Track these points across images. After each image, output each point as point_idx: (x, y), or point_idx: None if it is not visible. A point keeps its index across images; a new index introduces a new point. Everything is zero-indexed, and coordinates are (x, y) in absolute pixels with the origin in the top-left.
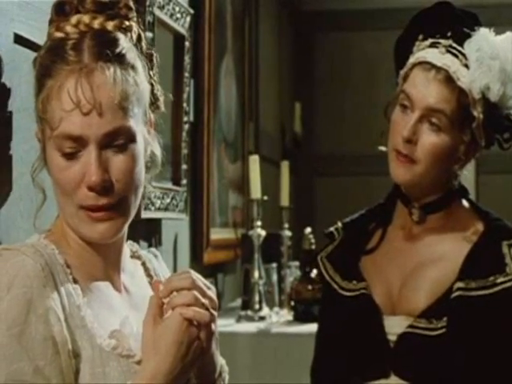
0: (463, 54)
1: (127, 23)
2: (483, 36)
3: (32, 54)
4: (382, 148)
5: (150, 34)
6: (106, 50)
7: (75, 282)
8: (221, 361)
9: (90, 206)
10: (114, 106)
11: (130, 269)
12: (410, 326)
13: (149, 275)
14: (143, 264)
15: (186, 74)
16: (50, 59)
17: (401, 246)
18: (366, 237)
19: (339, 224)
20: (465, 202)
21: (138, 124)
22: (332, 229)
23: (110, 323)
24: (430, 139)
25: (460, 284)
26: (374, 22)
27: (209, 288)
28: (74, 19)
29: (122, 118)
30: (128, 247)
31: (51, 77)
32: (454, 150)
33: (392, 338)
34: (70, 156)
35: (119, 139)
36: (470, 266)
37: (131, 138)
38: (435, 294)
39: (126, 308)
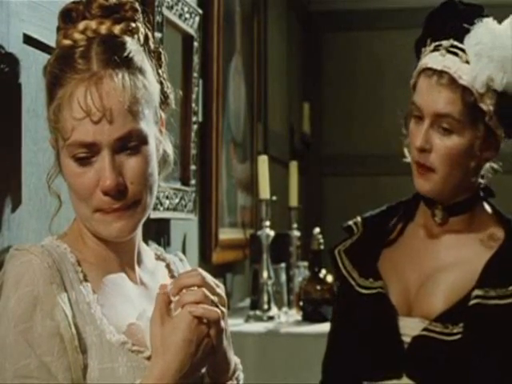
0: (463, 51)
1: (133, 25)
2: (483, 27)
3: (41, 55)
4: (407, 159)
5: (158, 35)
6: (113, 55)
7: (86, 279)
8: (235, 359)
9: (106, 210)
10: (124, 111)
11: (152, 268)
12: (426, 329)
13: (172, 276)
14: (167, 266)
15: (195, 74)
16: (60, 68)
17: (420, 245)
18: (386, 234)
19: (358, 219)
20: (487, 207)
21: (149, 125)
22: (351, 223)
23: (126, 316)
24: (443, 144)
25: (479, 292)
26: (382, 21)
27: (218, 285)
28: (81, 25)
29: (133, 122)
30: (153, 251)
31: (61, 86)
32: (469, 149)
33: (406, 339)
34: (84, 162)
35: (131, 142)
36: (490, 274)
37: (143, 139)
38: (452, 298)
39: (143, 300)
